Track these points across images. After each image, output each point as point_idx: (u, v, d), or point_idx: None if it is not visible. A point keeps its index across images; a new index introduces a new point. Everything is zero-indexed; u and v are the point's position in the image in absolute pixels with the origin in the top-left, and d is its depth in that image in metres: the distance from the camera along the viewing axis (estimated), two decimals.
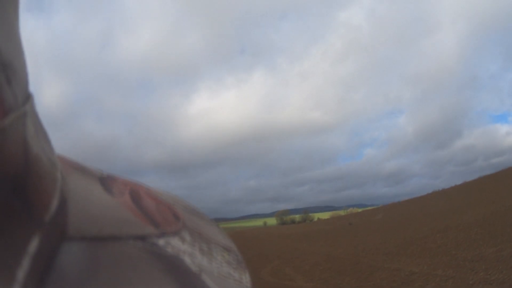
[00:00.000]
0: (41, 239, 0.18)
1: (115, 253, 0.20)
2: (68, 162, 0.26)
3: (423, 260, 9.91)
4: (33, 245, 0.17)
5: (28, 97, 0.18)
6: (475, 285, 6.49)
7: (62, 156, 0.25)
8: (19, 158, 0.17)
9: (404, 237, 14.76)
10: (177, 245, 0.25)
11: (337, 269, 11.52)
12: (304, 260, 14.65)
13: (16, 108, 0.17)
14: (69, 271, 0.19)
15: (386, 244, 14.26)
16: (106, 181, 0.27)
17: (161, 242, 0.24)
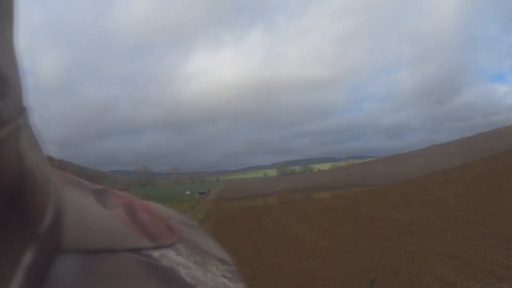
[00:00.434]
0: (35, 251, 0.18)
1: (110, 266, 0.21)
2: (62, 175, 0.26)
3: (422, 212, 10.18)
4: (28, 257, 0.17)
5: (22, 110, 0.18)
6: (473, 238, 6.73)
7: (57, 169, 0.26)
8: (13, 171, 0.17)
9: (404, 189, 15.11)
10: (172, 258, 0.25)
11: (337, 219, 11.95)
12: (304, 210, 15.16)
13: (10, 121, 0.17)
14: (63, 283, 0.19)
15: (386, 195, 14.63)
16: (100, 194, 0.27)
17: (156, 254, 0.24)
